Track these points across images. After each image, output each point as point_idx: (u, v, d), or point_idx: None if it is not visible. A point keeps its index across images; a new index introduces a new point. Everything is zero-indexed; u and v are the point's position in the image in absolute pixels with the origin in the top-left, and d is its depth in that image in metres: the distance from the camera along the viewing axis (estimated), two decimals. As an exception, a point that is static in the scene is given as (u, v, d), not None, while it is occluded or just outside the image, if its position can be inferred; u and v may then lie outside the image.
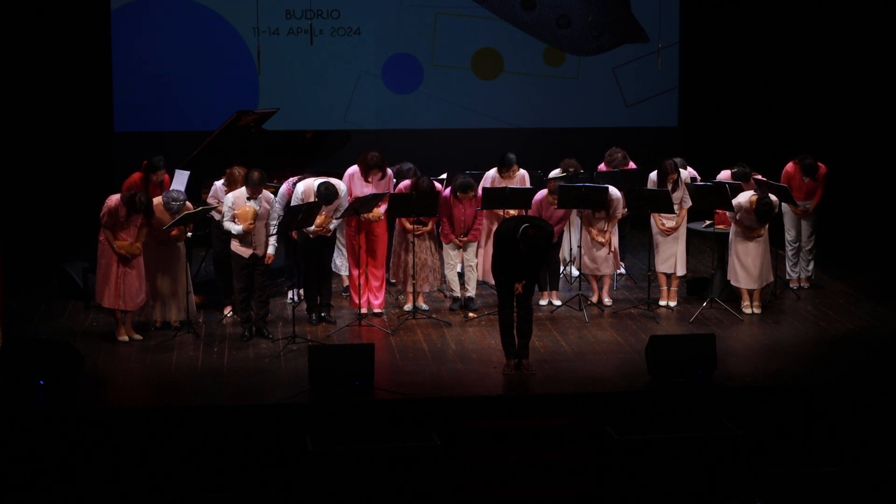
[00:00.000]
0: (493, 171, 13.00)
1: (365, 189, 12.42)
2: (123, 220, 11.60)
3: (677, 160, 13.06)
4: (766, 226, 12.59)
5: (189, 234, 12.29)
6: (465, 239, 12.61)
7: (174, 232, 11.82)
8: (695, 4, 17.04)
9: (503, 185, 12.67)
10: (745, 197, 12.55)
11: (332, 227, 12.23)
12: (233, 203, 11.78)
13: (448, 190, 12.60)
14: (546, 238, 10.81)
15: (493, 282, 11.39)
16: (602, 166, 13.96)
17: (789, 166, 13.42)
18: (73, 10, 15.94)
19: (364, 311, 12.36)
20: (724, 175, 13.29)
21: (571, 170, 13.50)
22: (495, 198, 12.48)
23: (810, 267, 13.67)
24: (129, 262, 11.65)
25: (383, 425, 10.10)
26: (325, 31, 16.50)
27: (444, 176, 13.41)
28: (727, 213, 12.75)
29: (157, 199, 11.90)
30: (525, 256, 10.60)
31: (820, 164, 13.35)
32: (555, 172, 13.62)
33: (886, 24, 15.54)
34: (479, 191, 12.56)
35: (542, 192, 12.65)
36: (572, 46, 17.06)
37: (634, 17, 17.01)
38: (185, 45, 16.37)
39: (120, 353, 11.53)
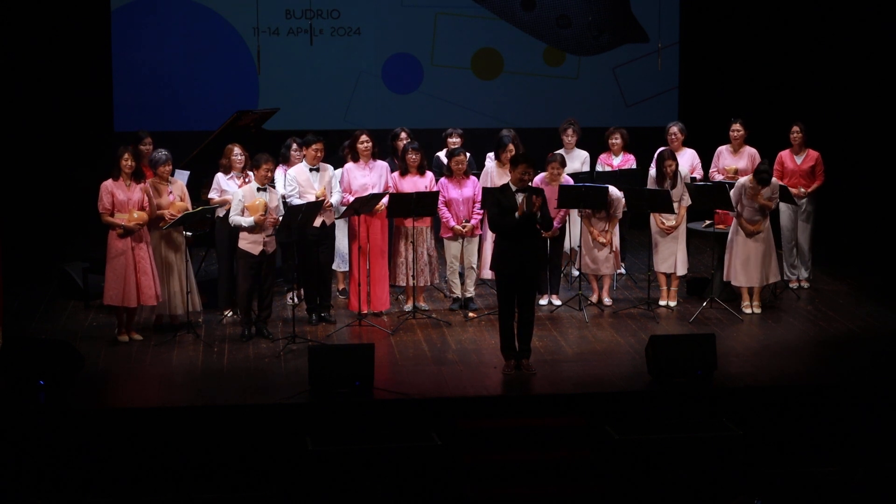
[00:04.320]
0: (492, 165, 12.97)
1: (363, 180, 12.42)
2: (123, 193, 11.56)
3: (678, 127, 13.26)
4: (767, 224, 12.57)
5: (188, 233, 12.31)
6: (469, 226, 12.55)
7: (164, 220, 11.80)
8: (695, 4, 17.04)
9: (503, 176, 12.50)
10: (744, 178, 12.59)
11: (332, 200, 12.18)
12: (242, 196, 11.76)
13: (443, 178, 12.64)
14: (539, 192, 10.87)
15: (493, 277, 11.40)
16: (603, 156, 13.93)
17: (780, 155, 13.48)
18: (73, 10, 15.94)
19: (364, 311, 12.36)
20: (723, 149, 13.58)
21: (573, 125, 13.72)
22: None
23: (809, 266, 13.67)
24: (143, 259, 11.60)
25: (383, 425, 10.10)
26: (325, 31, 16.51)
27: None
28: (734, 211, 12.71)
29: (151, 181, 11.91)
30: (522, 218, 10.62)
31: (811, 150, 13.42)
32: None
33: (887, 25, 15.54)
34: (479, 190, 12.62)
35: (540, 177, 12.61)
36: (572, 46, 17.06)
37: (634, 17, 17.01)
38: (185, 45, 16.37)
39: (120, 353, 11.53)
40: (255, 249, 11.74)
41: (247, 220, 11.68)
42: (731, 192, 12.52)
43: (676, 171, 12.77)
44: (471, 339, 11.90)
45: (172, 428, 10.01)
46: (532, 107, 16.88)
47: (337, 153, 13.05)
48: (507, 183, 10.91)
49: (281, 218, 11.78)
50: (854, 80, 16.00)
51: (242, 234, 11.76)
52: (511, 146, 12.73)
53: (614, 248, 12.84)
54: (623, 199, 12.75)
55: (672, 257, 12.82)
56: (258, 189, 11.76)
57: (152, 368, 11.15)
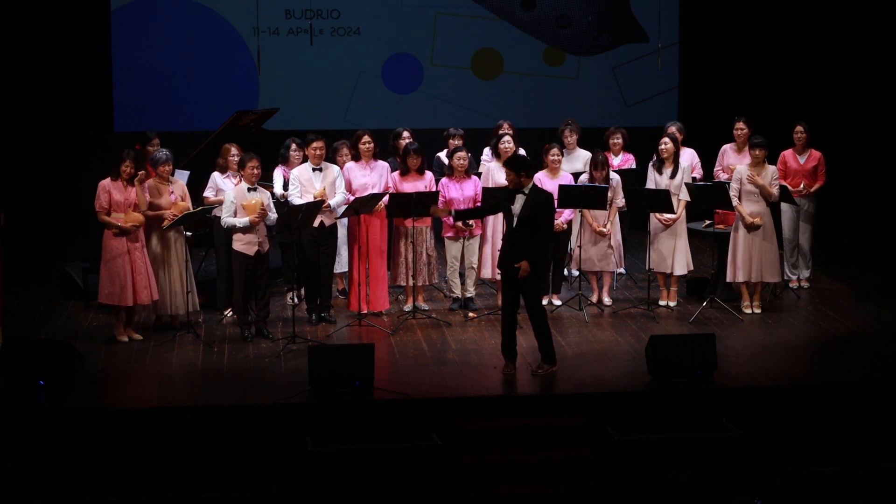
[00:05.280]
0: (494, 164, 12.95)
1: (363, 179, 12.43)
2: (120, 193, 11.56)
3: (677, 127, 13.30)
4: (769, 220, 12.55)
5: (188, 233, 12.31)
6: (472, 225, 12.55)
7: (165, 219, 11.80)
8: (695, 4, 17.05)
9: (502, 173, 12.46)
10: (742, 165, 12.66)
11: (332, 203, 12.17)
12: (235, 198, 11.75)
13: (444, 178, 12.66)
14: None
15: (498, 278, 11.41)
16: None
17: (783, 154, 13.48)
18: (73, 10, 15.95)
19: (364, 311, 12.35)
20: (728, 148, 13.62)
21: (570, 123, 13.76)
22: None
23: (809, 266, 13.67)
24: (138, 259, 11.60)
25: (383, 425, 10.10)
26: (325, 31, 16.51)
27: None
28: (732, 201, 12.69)
29: (151, 182, 11.92)
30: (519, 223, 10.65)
31: (814, 150, 13.42)
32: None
33: (888, 25, 15.54)
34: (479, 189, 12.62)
35: (542, 172, 12.64)
36: (572, 46, 17.06)
37: (634, 17, 17.01)
38: (185, 45, 16.38)
39: (120, 353, 11.53)
40: (251, 250, 11.73)
41: (241, 221, 11.67)
42: (731, 183, 12.53)
43: (676, 156, 12.75)
44: (471, 339, 11.91)
45: (172, 428, 10.01)
46: (532, 107, 16.88)
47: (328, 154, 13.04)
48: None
49: (269, 211, 11.77)
50: (853, 81, 16.00)
51: (236, 236, 11.74)
52: (506, 139, 12.77)
53: (615, 244, 12.82)
54: (621, 183, 12.75)
55: (670, 257, 12.80)
56: (248, 189, 11.75)
57: (152, 368, 11.15)
